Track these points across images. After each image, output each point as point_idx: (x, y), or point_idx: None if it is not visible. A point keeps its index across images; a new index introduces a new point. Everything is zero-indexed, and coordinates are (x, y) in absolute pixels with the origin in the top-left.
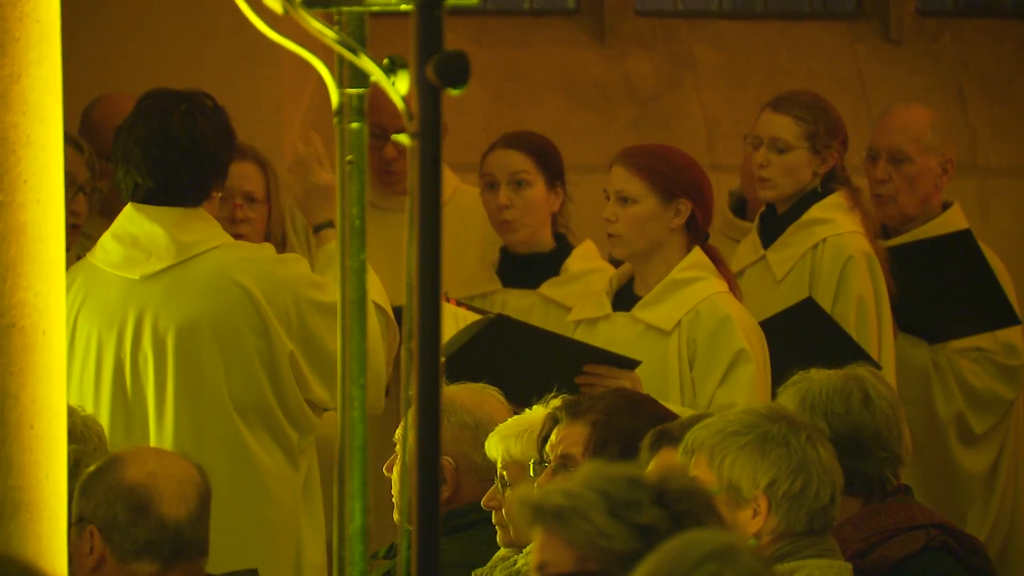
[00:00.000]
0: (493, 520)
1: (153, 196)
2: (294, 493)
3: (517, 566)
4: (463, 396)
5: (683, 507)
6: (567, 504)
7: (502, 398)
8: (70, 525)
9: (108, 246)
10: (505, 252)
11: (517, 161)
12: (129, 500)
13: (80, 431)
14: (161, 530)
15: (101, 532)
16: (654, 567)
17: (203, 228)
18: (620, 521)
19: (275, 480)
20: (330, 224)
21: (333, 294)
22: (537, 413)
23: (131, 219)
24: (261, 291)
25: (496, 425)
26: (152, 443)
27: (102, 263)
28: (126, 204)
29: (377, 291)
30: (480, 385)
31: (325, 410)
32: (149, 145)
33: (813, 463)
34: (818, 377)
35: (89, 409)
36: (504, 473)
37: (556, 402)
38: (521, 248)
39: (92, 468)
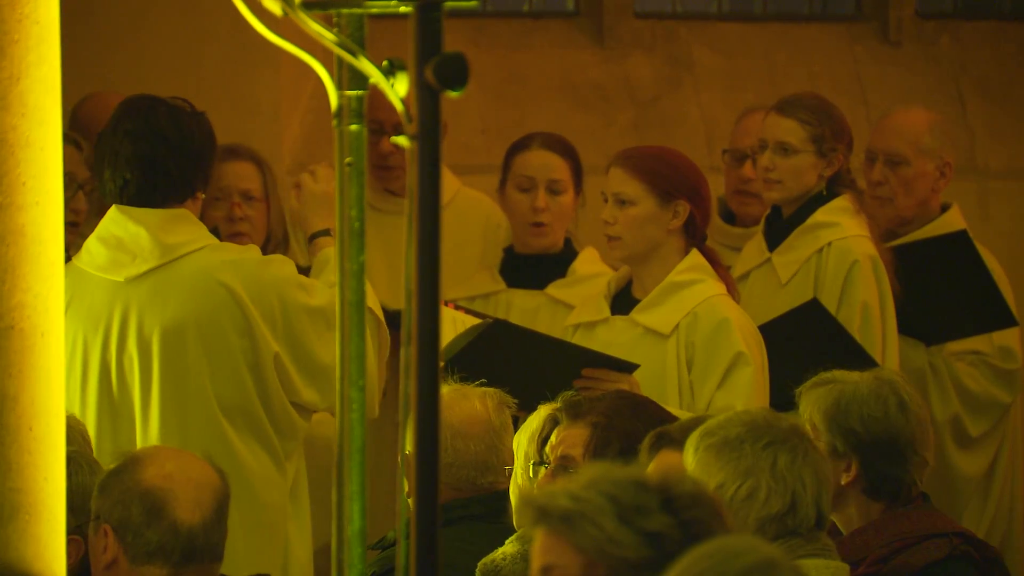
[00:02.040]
0: None
1: (141, 193)
2: (281, 495)
3: (493, 558)
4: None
5: (691, 514)
6: (575, 508)
7: (491, 404)
8: (87, 522)
9: (93, 248)
10: (510, 252)
11: (558, 166)
12: (144, 502)
13: None
14: (173, 535)
15: (115, 532)
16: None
17: (188, 230)
18: (630, 528)
19: (261, 482)
20: (325, 232)
21: (319, 296)
22: None
23: (115, 221)
24: (246, 292)
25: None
26: (138, 442)
27: (87, 266)
28: (110, 206)
29: (368, 294)
30: (480, 390)
31: (314, 412)
32: (139, 140)
33: (762, 470)
34: (849, 379)
35: (75, 412)
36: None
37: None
38: (536, 249)
39: (112, 466)
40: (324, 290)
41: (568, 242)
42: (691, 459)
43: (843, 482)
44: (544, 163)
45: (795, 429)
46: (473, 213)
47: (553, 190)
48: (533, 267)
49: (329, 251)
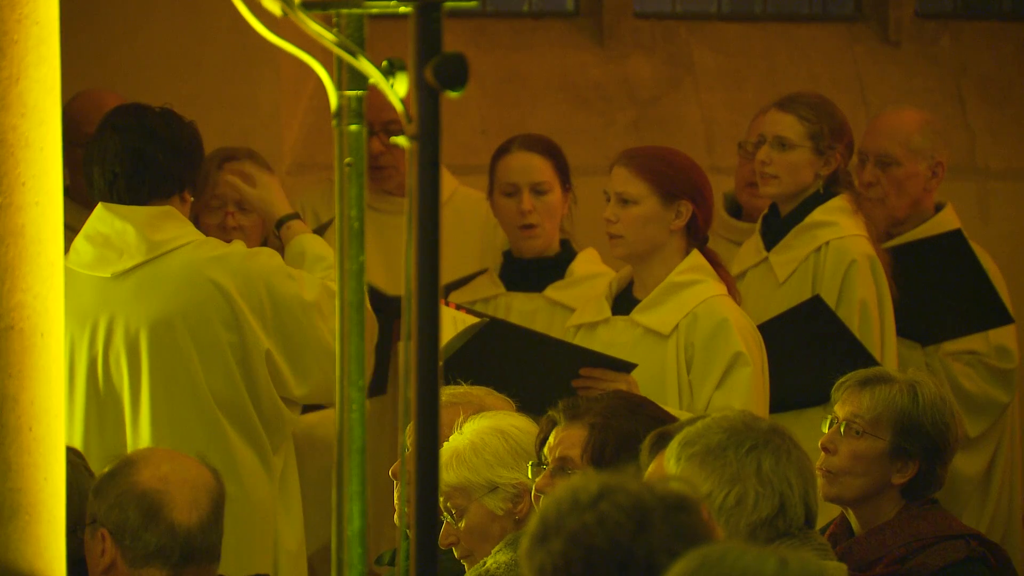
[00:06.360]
0: (456, 555)
1: (130, 187)
2: (270, 488)
3: (486, 566)
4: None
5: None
6: None
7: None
8: (84, 525)
9: (79, 247)
10: (509, 256)
11: (539, 167)
12: (141, 505)
13: None
14: (171, 536)
15: (112, 535)
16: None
17: (174, 226)
18: None
19: (251, 475)
20: (294, 216)
21: (310, 288)
22: (455, 440)
23: (101, 219)
24: (234, 286)
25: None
26: (128, 439)
27: (73, 264)
28: (96, 203)
29: None
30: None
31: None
32: (128, 134)
33: (748, 476)
34: (903, 379)
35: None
36: (448, 504)
37: (478, 421)
38: (531, 253)
39: (106, 469)
40: (314, 280)
41: (566, 243)
42: (674, 468)
43: (895, 481)
44: (524, 165)
45: (775, 429)
46: (471, 213)
47: (537, 191)
48: (532, 270)
49: (303, 239)
